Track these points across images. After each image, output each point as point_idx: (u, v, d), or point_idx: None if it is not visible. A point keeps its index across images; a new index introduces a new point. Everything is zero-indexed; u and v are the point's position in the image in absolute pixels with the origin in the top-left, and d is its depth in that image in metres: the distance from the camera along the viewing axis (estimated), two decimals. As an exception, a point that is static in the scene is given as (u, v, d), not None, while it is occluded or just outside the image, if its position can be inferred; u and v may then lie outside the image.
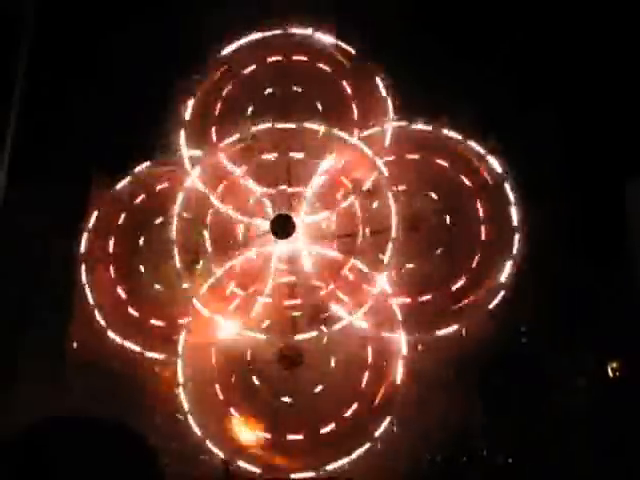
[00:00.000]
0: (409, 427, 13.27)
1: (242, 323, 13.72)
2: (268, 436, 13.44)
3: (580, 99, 14.43)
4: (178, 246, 13.92)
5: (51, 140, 15.21)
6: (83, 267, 14.38)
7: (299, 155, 14.62)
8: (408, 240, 13.76)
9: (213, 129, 14.89)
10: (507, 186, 13.98)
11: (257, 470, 13.17)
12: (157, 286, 14.43)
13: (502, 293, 13.69)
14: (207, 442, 13.31)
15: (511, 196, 13.93)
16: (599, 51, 14.66)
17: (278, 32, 14.81)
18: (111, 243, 14.67)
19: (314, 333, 13.61)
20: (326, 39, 14.70)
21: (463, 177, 14.35)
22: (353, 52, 14.63)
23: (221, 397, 13.78)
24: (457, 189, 14.34)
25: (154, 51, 14.83)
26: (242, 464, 13.20)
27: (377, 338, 13.72)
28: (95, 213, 14.63)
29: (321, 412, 13.51)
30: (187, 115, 14.65)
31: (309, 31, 14.75)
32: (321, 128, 14.17)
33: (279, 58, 15.05)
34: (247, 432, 13.55)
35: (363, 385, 13.71)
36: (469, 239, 14.07)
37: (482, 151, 14.15)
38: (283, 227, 14.07)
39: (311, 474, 13.07)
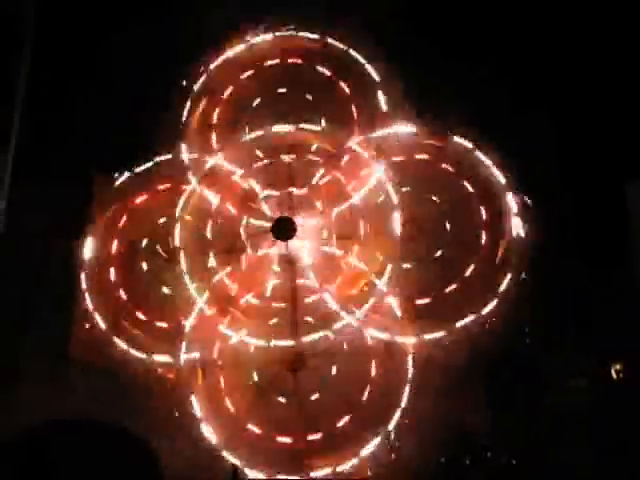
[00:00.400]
0: (413, 430, 13.33)
1: (245, 326, 13.74)
2: (288, 440, 13.46)
3: (573, 99, 14.46)
4: (181, 248, 13.97)
5: (51, 140, 15.23)
6: (84, 270, 14.36)
7: (300, 158, 14.63)
8: (409, 242, 13.81)
9: (214, 131, 14.88)
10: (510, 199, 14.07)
11: (264, 475, 13.26)
12: (160, 288, 14.42)
13: (503, 294, 13.74)
14: (215, 446, 13.35)
15: (513, 204, 14.00)
16: (593, 51, 14.68)
17: (280, 35, 14.85)
18: (114, 244, 14.67)
19: (316, 337, 13.65)
20: (337, 44, 14.72)
21: (465, 182, 14.41)
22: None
23: (229, 403, 13.81)
24: (458, 192, 14.37)
25: (154, 51, 14.87)
26: (249, 469, 13.27)
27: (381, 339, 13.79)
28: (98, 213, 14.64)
29: (333, 409, 13.57)
30: (187, 117, 14.64)
31: (316, 36, 14.77)
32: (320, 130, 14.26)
33: (278, 61, 15.09)
34: None
35: (373, 374, 13.75)
36: (470, 241, 14.12)
37: (487, 161, 14.20)
38: (284, 229, 14.11)
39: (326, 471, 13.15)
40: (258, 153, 14.67)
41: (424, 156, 14.57)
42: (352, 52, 14.51)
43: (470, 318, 13.58)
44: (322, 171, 14.38)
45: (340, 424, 13.46)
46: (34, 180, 14.79)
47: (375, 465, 13.23)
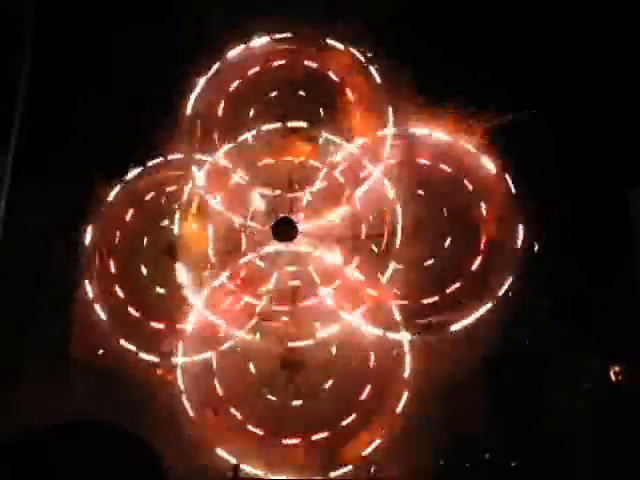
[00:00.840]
0: (412, 433, 13.33)
1: (244, 327, 13.74)
2: (296, 441, 13.48)
3: (573, 102, 14.43)
4: (182, 249, 13.97)
5: (52, 140, 15.21)
6: (85, 271, 14.45)
7: (301, 159, 14.63)
8: (409, 243, 13.81)
9: (216, 133, 14.88)
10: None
11: (265, 474, 13.25)
12: (159, 289, 14.43)
13: (503, 296, 13.78)
14: (216, 446, 13.41)
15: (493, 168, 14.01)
16: (594, 53, 14.64)
17: (283, 36, 14.84)
18: (115, 242, 14.68)
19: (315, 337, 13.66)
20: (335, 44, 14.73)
21: (466, 182, 14.42)
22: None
23: (227, 402, 13.82)
24: (460, 194, 14.40)
25: (154, 51, 14.82)
26: (250, 468, 13.27)
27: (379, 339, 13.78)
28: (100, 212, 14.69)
29: (336, 408, 13.61)
30: (189, 118, 14.64)
31: (316, 37, 14.81)
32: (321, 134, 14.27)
33: (282, 62, 15.07)
34: None
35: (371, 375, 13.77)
36: (471, 242, 14.13)
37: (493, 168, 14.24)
38: (285, 231, 14.12)
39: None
40: (259, 154, 14.68)
41: (424, 159, 14.59)
42: (353, 50, 14.55)
43: (469, 319, 13.60)
44: (323, 173, 14.39)
45: (337, 425, 13.50)
46: (34, 180, 14.76)
47: (374, 468, 13.25)
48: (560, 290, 13.99)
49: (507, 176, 14.17)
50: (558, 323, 13.95)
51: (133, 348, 14.08)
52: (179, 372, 13.87)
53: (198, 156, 14.76)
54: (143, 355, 14.06)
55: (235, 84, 15.16)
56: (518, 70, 14.57)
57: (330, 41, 14.86)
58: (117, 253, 14.82)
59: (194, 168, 14.62)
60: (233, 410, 13.84)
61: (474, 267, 14.08)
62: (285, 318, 14.04)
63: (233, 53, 14.98)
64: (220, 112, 15.04)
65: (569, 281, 13.97)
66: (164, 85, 14.82)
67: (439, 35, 14.70)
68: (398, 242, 13.87)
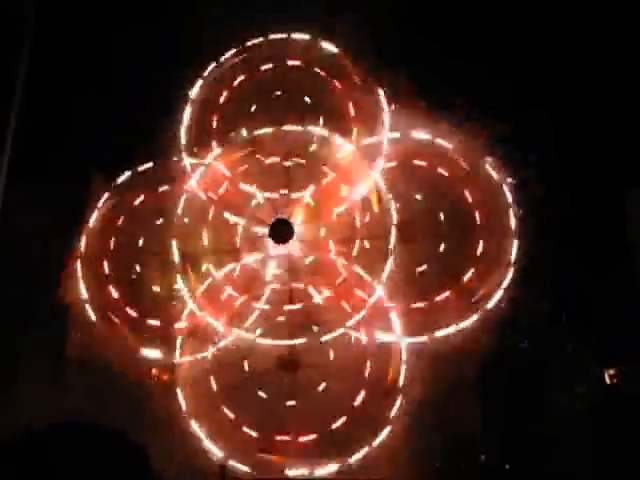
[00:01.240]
0: (407, 434, 13.28)
1: (239, 328, 13.71)
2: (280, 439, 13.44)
3: (574, 99, 14.40)
4: (177, 249, 13.96)
5: (51, 140, 15.18)
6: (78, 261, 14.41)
7: (298, 160, 14.59)
8: (405, 246, 13.78)
9: (212, 133, 14.85)
10: (507, 192, 14.02)
11: (252, 471, 13.23)
12: (154, 287, 14.42)
13: (501, 296, 13.71)
14: (206, 444, 13.36)
15: (509, 198, 13.96)
16: (595, 50, 14.62)
17: (279, 37, 14.83)
18: (111, 243, 14.68)
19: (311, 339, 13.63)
20: (329, 47, 14.71)
21: (461, 183, 14.37)
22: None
23: (220, 400, 13.79)
24: (454, 194, 14.33)
25: (154, 51, 14.85)
26: (237, 465, 13.25)
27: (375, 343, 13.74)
28: (95, 214, 14.65)
29: (328, 409, 13.53)
30: (187, 118, 14.63)
31: (307, 37, 14.76)
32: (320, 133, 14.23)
33: (279, 64, 15.06)
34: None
35: (367, 377, 13.73)
36: (465, 243, 14.08)
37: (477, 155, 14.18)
38: (281, 232, 14.10)
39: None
40: (256, 156, 14.65)
41: (421, 161, 14.55)
42: (349, 54, 14.54)
43: (466, 322, 13.56)
44: (320, 174, 14.36)
45: (334, 426, 13.45)
46: (34, 180, 14.76)
47: (368, 470, 13.20)
48: (559, 290, 13.92)
49: (506, 181, 14.02)
50: (556, 324, 13.90)
51: (128, 348, 13.99)
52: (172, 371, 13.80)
53: (196, 158, 14.64)
54: (139, 355, 13.95)
55: (233, 86, 15.10)
56: (518, 68, 14.52)
57: (327, 45, 14.74)
58: (112, 255, 14.73)
59: (189, 170, 14.48)
60: (227, 410, 13.75)
61: (467, 277, 13.96)
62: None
63: (229, 54, 14.91)
64: (218, 114, 14.95)
65: (568, 282, 13.91)
66: (164, 85, 14.80)
67: (439, 31, 14.67)
68: (393, 245, 13.72)
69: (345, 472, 13.22)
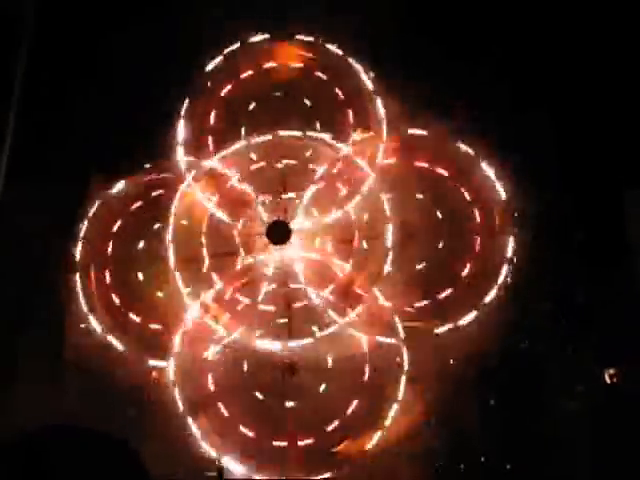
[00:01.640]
0: (407, 436, 13.26)
1: (238, 330, 13.67)
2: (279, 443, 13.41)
3: (574, 100, 14.41)
4: (175, 252, 13.91)
5: (50, 140, 15.17)
6: (77, 274, 14.44)
7: (295, 161, 14.58)
8: (403, 246, 13.73)
9: (210, 135, 14.86)
10: (501, 190, 14.00)
11: (249, 473, 13.21)
12: (153, 291, 14.40)
13: (500, 297, 13.70)
14: (204, 447, 13.35)
15: (504, 195, 13.97)
16: (595, 51, 14.63)
17: (276, 38, 14.84)
18: (108, 249, 14.64)
19: (309, 340, 13.60)
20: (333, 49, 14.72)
21: (458, 184, 14.35)
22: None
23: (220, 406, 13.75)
24: (452, 195, 14.34)
25: (154, 51, 14.83)
26: (234, 466, 13.22)
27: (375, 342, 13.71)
28: (91, 218, 14.66)
29: (325, 413, 13.52)
30: (183, 121, 14.65)
31: (311, 38, 14.77)
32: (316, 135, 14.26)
33: (275, 65, 15.05)
34: None
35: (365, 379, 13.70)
36: (464, 244, 14.08)
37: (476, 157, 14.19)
38: (279, 233, 14.07)
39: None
40: (253, 157, 14.63)
41: (421, 162, 14.52)
42: (349, 59, 14.54)
43: (465, 320, 13.52)
44: (317, 175, 14.33)
45: (330, 428, 13.43)
46: (33, 180, 14.73)
47: (366, 472, 13.16)
48: (559, 291, 13.89)
49: (502, 183, 13.98)
50: (556, 325, 13.87)
51: (127, 352, 13.94)
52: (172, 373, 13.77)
53: (193, 159, 14.62)
54: (137, 359, 13.93)
55: (230, 88, 15.07)
56: (518, 70, 14.53)
57: (329, 45, 14.75)
58: (110, 261, 14.71)
59: (185, 172, 14.49)
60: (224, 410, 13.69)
61: (468, 270, 13.95)
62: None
63: (227, 53, 14.89)
64: (216, 115, 14.92)
65: (568, 282, 13.88)
66: (164, 85, 14.77)
67: (438, 33, 14.67)
68: (390, 245, 13.69)
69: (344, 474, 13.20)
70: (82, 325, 14.17)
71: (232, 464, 13.33)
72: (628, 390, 13.69)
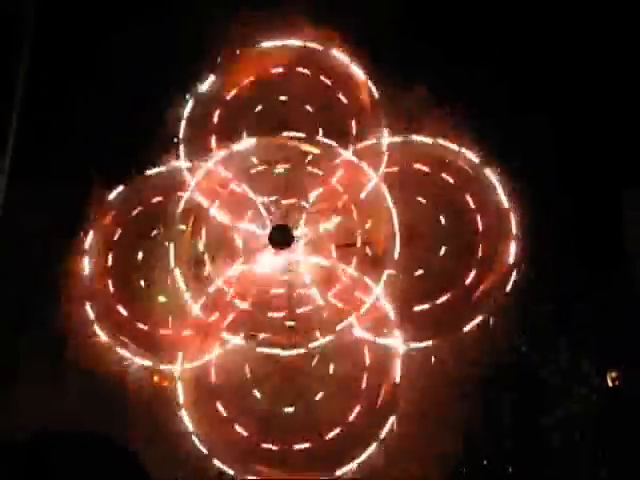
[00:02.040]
0: (408, 439, 13.25)
1: (240, 334, 13.68)
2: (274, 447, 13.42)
3: (573, 102, 14.37)
4: (176, 257, 13.94)
5: (51, 140, 15.20)
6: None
7: (297, 166, 14.56)
8: (405, 250, 13.70)
9: (212, 139, 14.80)
10: (501, 193, 13.97)
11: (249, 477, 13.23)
12: (155, 296, 14.41)
13: (499, 301, 13.68)
14: (205, 454, 13.36)
15: (506, 204, 13.91)
16: (593, 54, 14.62)
17: (279, 44, 14.81)
18: (109, 256, 14.68)
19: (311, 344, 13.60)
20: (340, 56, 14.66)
21: (460, 187, 14.33)
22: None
23: (221, 409, 13.77)
24: (454, 199, 14.31)
25: (154, 51, 14.85)
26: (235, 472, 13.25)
27: (374, 344, 13.70)
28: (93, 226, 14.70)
29: (324, 419, 13.52)
30: (183, 126, 14.65)
31: (317, 45, 14.71)
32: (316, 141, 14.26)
33: (280, 70, 15.02)
34: None
35: (363, 387, 13.69)
36: (466, 247, 14.03)
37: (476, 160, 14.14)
38: (281, 238, 14.06)
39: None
40: (256, 161, 14.62)
41: (423, 166, 14.48)
42: (353, 66, 14.48)
43: (466, 327, 13.50)
44: (320, 179, 14.32)
45: (330, 435, 13.43)
46: (33, 180, 14.77)
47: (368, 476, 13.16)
48: (559, 294, 13.85)
49: (504, 189, 13.95)
50: (556, 328, 13.84)
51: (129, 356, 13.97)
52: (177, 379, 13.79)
53: (195, 163, 14.61)
54: (140, 361, 13.97)
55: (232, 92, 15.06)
56: (517, 72, 14.50)
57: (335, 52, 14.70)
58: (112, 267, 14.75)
59: (188, 175, 14.48)
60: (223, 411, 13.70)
61: (471, 274, 13.92)
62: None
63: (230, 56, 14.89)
64: (218, 117, 14.91)
65: (568, 285, 13.84)
66: (164, 85, 14.78)
67: (437, 36, 14.64)
68: (395, 249, 13.66)
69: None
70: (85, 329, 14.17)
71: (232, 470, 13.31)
72: (629, 393, 13.64)
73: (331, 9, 14.40)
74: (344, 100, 14.75)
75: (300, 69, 15.04)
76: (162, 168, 14.75)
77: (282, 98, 14.92)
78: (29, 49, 15.38)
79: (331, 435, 13.49)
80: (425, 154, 14.37)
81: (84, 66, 15.34)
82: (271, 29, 14.82)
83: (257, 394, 13.86)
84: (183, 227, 14.20)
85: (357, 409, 13.63)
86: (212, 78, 14.78)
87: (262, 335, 13.72)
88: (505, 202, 13.93)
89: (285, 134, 14.53)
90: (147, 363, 13.91)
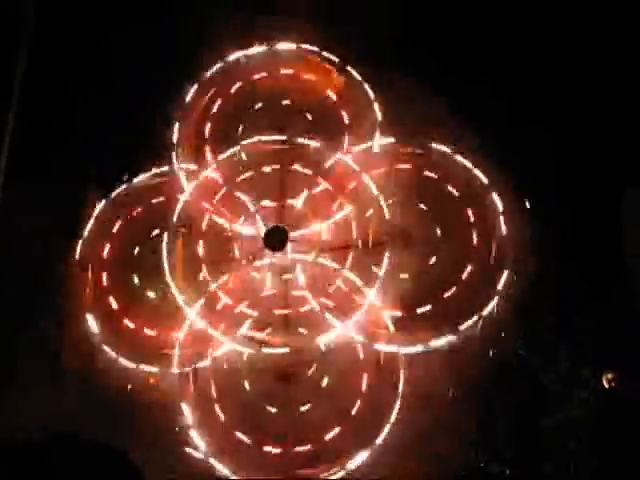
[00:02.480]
0: (405, 442, 13.23)
1: (235, 336, 13.68)
2: (277, 450, 13.38)
3: (572, 116, 14.34)
4: (173, 259, 13.93)
5: (50, 140, 15.12)
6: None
7: (292, 167, 14.54)
8: (399, 252, 13.73)
9: (207, 141, 14.82)
10: (495, 198, 13.98)
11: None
12: (152, 297, 14.39)
13: (497, 304, 13.68)
14: (207, 457, 13.31)
15: (500, 206, 13.93)
16: (593, 65, 14.59)
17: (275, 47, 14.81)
18: (105, 253, 14.64)
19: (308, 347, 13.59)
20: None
21: (453, 189, 14.31)
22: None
23: (219, 412, 13.76)
24: (447, 200, 14.30)
25: (154, 51, 14.84)
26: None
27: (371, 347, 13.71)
28: (90, 224, 14.66)
29: (323, 420, 13.47)
30: (177, 130, 14.65)
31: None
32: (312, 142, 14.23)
33: (280, 71, 15.03)
34: None
35: (363, 386, 13.70)
36: (461, 251, 14.03)
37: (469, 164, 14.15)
38: (277, 239, 14.06)
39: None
40: (250, 163, 14.60)
41: (406, 165, 14.47)
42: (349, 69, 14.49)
43: (463, 329, 13.54)
44: (314, 181, 14.31)
45: (329, 436, 13.43)
46: (32, 180, 14.71)
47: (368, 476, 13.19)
48: (558, 301, 13.90)
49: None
50: (555, 333, 13.90)
51: (124, 357, 13.95)
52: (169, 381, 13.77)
53: (190, 166, 14.60)
54: (135, 365, 13.94)
55: (227, 94, 15.05)
56: (516, 84, 14.49)
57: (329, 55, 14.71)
58: (108, 265, 14.68)
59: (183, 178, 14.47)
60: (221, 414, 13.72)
61: (465, 276, 13.95)
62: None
63: (229, 59, 14.87)
64: (213, 122, 14.93)
65: (567, 294, 13.89)
66: (164, 85, 14.77)
67: (437, 47, 14.62)
68: (388, 251, 13.70)
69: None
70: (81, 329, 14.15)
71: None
72: (626, 396, 13.69)
73: (330, 18, 14.47)
74: (340, 105, 14.77)
75: (291, 71, 15.05)
76: (160, 169, 14.73)
77: (284, 102, 14.93)
78: (27, 48, 15.32)
79: (331, 435, 13.46)
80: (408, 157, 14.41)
81: (84, 66, 15.28)
82: (267, 35, 14.85)
83: (256, 397, 13.85)
84: (179, 230, 14.20)
85: (357, 408, 13.61)
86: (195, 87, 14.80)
87: (259, 336, 13.74)
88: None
89: (279, 137, 14.51)
90: (149, 369, 13.88)
